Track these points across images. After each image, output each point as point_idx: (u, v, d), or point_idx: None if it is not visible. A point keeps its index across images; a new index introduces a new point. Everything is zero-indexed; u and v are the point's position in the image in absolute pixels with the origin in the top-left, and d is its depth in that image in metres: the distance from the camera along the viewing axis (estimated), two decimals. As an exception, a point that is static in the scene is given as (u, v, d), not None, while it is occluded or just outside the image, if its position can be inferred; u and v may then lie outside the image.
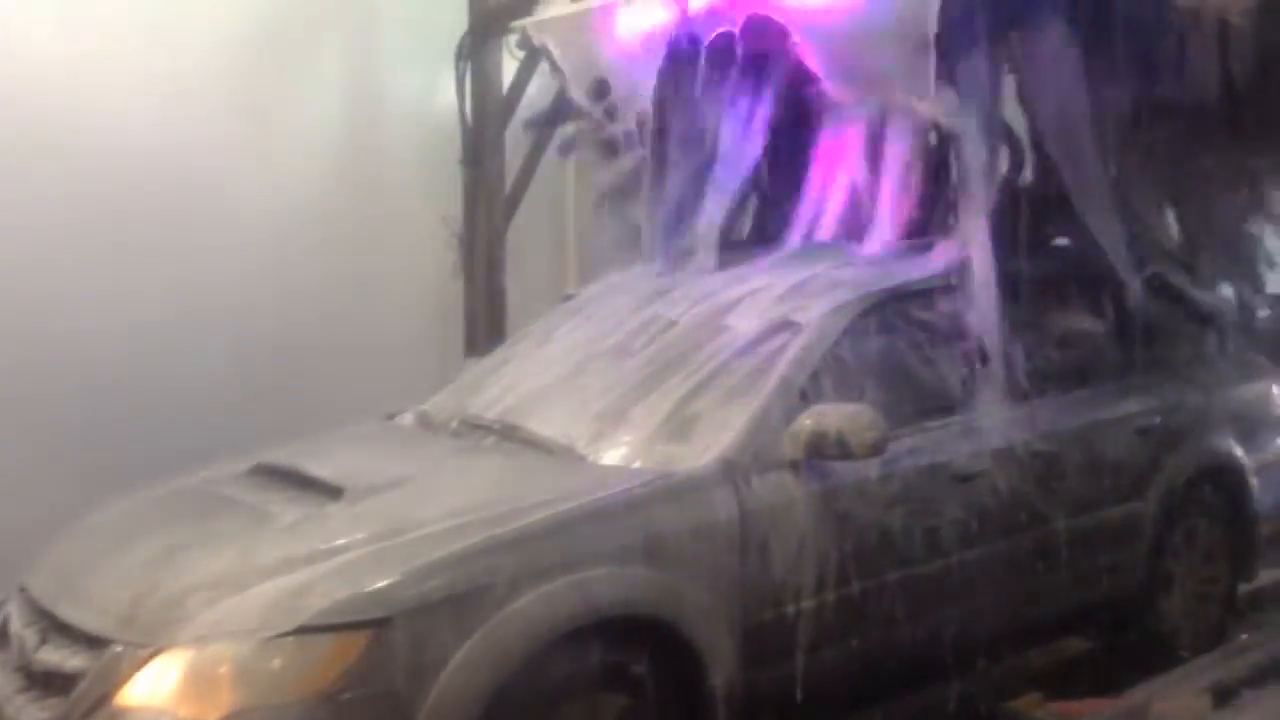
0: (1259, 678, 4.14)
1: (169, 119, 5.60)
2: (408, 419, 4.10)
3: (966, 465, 3.70)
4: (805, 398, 3.42)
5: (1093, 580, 4.15)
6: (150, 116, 5.55)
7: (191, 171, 5.68)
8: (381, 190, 6.35)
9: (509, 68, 6.23)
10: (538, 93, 6.16)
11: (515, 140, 6.31)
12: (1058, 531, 3.94)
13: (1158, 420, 4.32)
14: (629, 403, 3.55)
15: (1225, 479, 4.60)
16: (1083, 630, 4.53)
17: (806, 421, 3.28)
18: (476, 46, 6.18)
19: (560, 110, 5.83)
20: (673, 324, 3.88)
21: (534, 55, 6.01)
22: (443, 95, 6.30)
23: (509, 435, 3.62)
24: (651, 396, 3.53)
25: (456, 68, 6.19)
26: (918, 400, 3.73)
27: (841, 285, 3.81)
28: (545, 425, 3.58)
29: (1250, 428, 4.73)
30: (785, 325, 3.63)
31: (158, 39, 5.58)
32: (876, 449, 3.26)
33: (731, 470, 3.25)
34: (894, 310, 3.79)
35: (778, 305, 3.78)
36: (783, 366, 3.48)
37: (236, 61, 5.86)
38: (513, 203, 6.36)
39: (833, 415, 3.28)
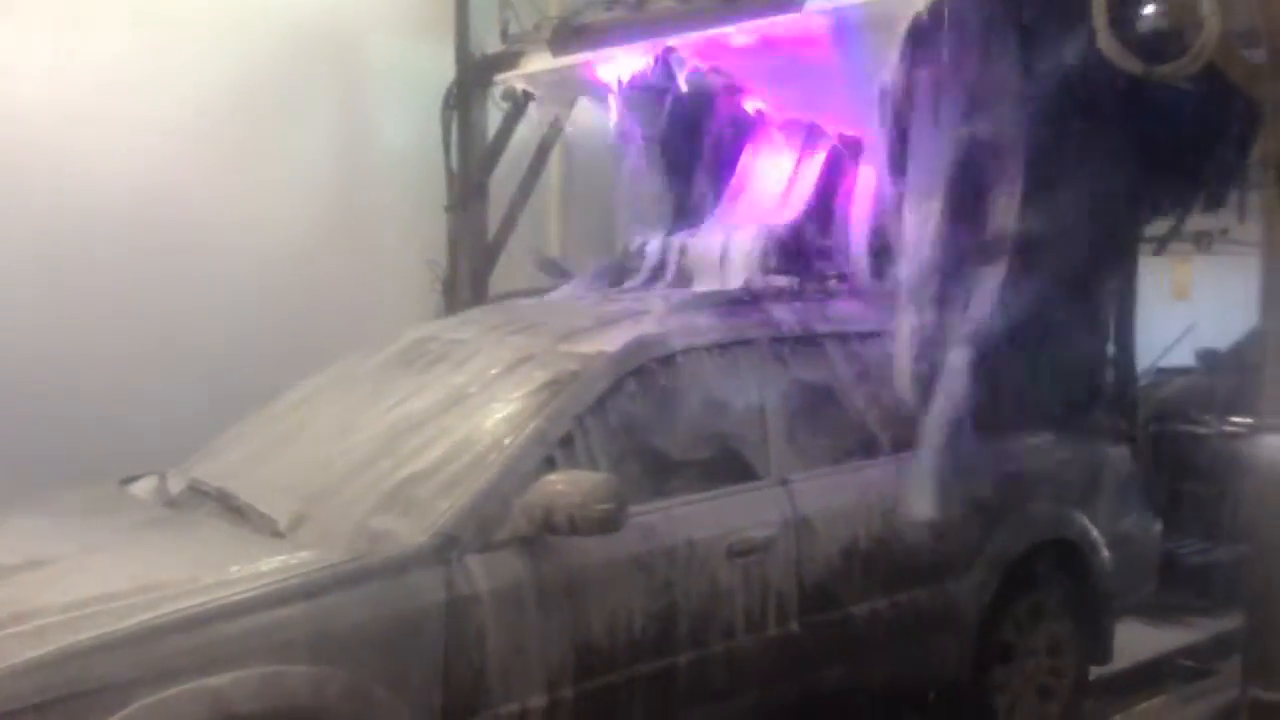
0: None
1: (156, 164, 5.70)
2: (146, 484, 3.68)
3: (749, 539, 3.35)
4: (553, 463, 3.05)
5: (902, 667, 3.77)
6: (137, 161, 5.66)
7: (177, 214, 5.79)
8: (368, 235, 6.47)
9: (494, 118, 6.38)
10: (522, 142, 6.30)
11: (499, 188, 6.44)
12: (856, 613, 3.59)
13: (986, 489, 3.95)
14: (362, 468, 3.17)
15: (1070, 554, 4.23)
16: (918, 713, 4.07)
17: (537, 492, 2.92)
18: (463, 97, 6.33)
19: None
20: (449, 368, 3.56)
21: (518, 106, 6.19)
22: (429, 143, 6.44)
23: (225, 504, 3.25)
24: (383, 461, 3.16)
25: (443, 117, 6.33)
26: (704, 465, 3.40)
27: (640, 330, 3.49)
28: (261, 495, 3.20)
29: (1103, 496, 4.39)
30: (553, 378, 3.27)
31: (147, 86, 5.71)
32: (608, 524, 2.89)
33: (446, 549, 2.86)
34: (690, 362, 3.45)
35: (557, 350, 3.43)
36: (527, 426, 3.11)
37: (226, 109, 5.99)
38: (496, 249, 6.49)
39: (563, 485, 2.92)
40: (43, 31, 5.45)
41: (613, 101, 5.56)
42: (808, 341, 3.75)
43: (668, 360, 3.41)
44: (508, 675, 2.89)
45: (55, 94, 5.48)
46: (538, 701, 2.94)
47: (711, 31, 5.09)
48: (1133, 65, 3.91)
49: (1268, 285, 3.94)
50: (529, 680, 2.93)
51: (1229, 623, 5.02)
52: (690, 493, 3.33)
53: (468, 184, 6.38)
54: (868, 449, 3.77)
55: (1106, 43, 3.92)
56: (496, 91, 6.24)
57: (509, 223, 6.43)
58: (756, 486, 3.46)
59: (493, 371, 3.42)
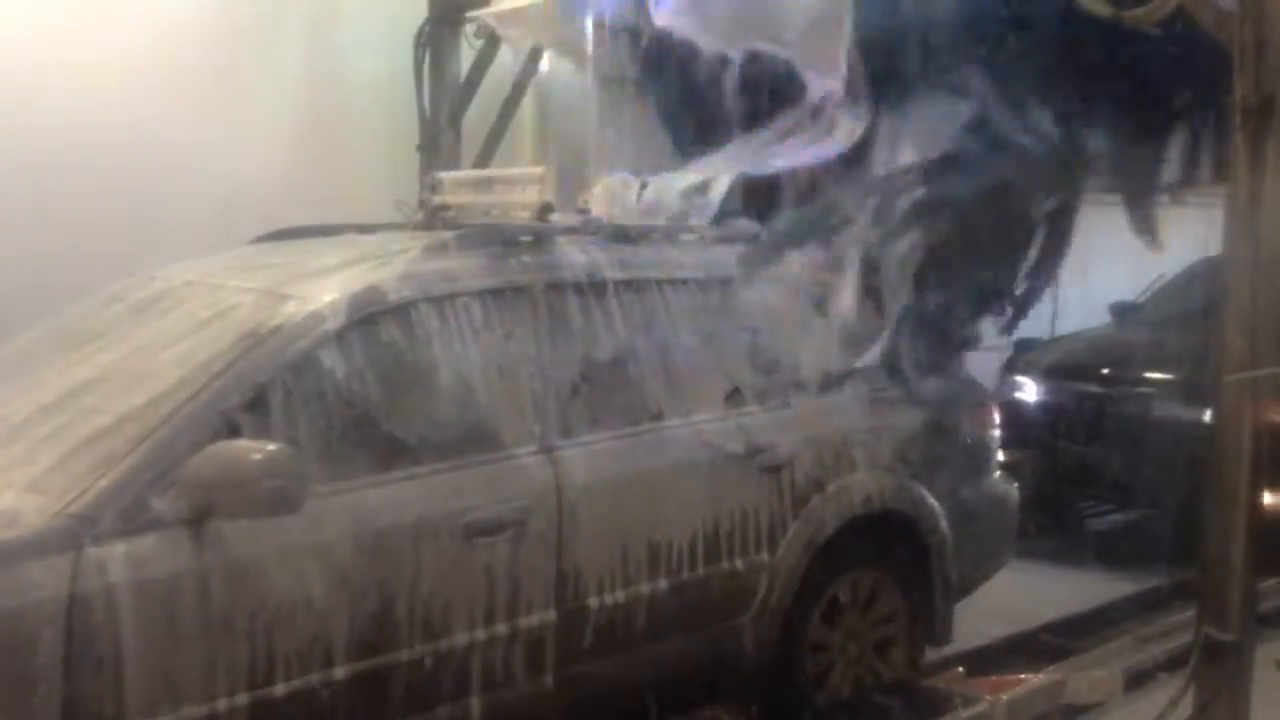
0: (1172, 664, 4.30)
1: (124, 100, 5.62)
2: None
3: (494, 516, 2.90)
4: (237, 433, 2.55)
5: (687, 659, 3.36)
6: (105, 96, 5.58)
7: (146, 151, 5.71)
8: (339, 173, 6.40)
9: (467, 56, 6.30)
10: (495, 81, 6.24)
11: (472, 127, 6.38)
12: (629, 598, 3.16)
13: (788, 453, 3.52)
14: (14, 436, 2.66)
15: (903, 528, 3.82)
16: (720, 701, 3.66)
17: (196, 468, 2.45)
18: (435, 35, 6.26)
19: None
20: (154, 318, 3.07)
21: (491, 44, 6.12)
22: (401, 82, 6.37)
23: None
24: (40, 429, 2.65)
25: (415, 55, 6.26)
26: (444, 432, 2.91)
27: (373, 276, 2.96)
28: None
29: (948, 461, 3.96)
30: (249, 331, 2.76)
31: (116, 21, 5.62)
32: (279, 504, 2.44)
33: (75, 535, 2.33)
34: (432, 313, 2.96)
35: (269, 298, 2.92)
36: (201, 388, 2.60)
37: (195, 47, 5.89)
38: (468, 189, 6.44)
39: (228, 459, 2.44)
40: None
41: (588, 40, 5.51)
42: (598, 289, 3.26)
43: (402, 311, 2.90)
44: (154, 686, 2.38)
45: (28, 29, 5.39)
46: (193, 713, 2.44)
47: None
48: (1101, 8, 3.88)
49: (1230, 233, 3.95)
50: (182, 690, 2.42)
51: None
52: (423, 465, 2.83)
53: (439, 123, 6.32)
54: (662, 411, 3.32)
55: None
56: (469, 29, 6.16)
57: (482, 163, 6.38)
58: (511, 456, 2.98)
59: (191, 323, 2.91)
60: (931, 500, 3.85)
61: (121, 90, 5.63)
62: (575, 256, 3.32)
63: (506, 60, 6.18)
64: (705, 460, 3.36)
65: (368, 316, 2.86)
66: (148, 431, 2.51)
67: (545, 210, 3.62)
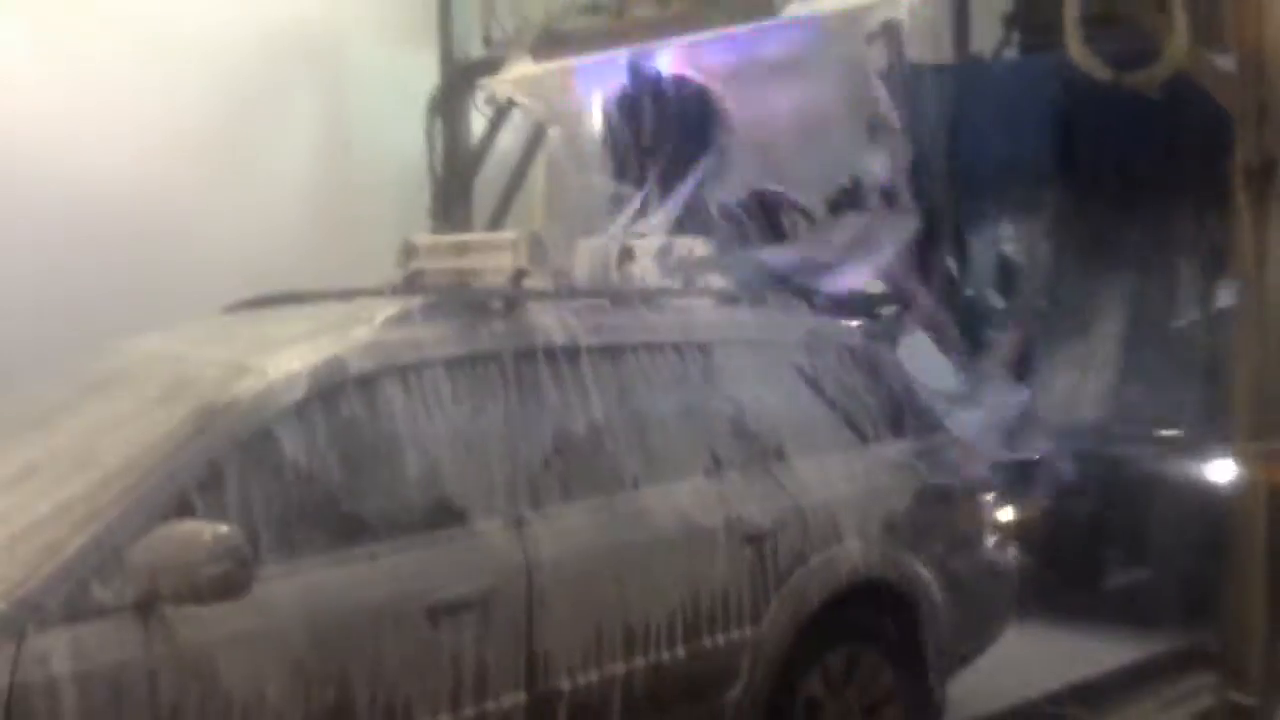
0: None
1: (143, 168, 5.75)
2: None
3: (457, 594, 2.77)
4: (191, 512, 2.47)
5: None
6: (124, 166, 5.70)
7: (163, 217, 5.83)
8: (351, 237, 6.47)
9: (478, 122, 6.40)
10: (505, 146, 6.33)
11: (483, 191, 6.46)
12: (602, 679, 2.99)
13: (772, 524, 3.36)
14: None
15: (890, 598, 3.63)
16: None
17: (144, 550, 2.35)
18: (447, 101, 6.36)
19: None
20: (118, 390, 2.99)
21: (502, 111, 6.21)
22: (413, 148, 6.47)
23: None
24: (9, 500, 2.55)
25: (427, 121, 6.36)
26: (406, 508, 2.80)
27: (336, 346, 2.84)
28: None
29: (939, 528, 3.79)
30: (205, 405, 2.65)
31: (136, 91, 5.77)
32: (225, 589, 2.33)
33: (18, 620, 2.24)
34: (395, 384, 2.85)
35: (229, 370, 2.81)
36: (154, 466, 2.50)
37: (212, 113, 6.03)
38: (479, 253, 6.50)
39: (175, 542, 2.35)
40: (30, 44, 5.51)
41: (595, 106, 5.60)
42: (571, 355, 3.17)
43: (365, 382, 2.80)
44: None
45: (50, 99, 5.53)
46: None
47: (690, 38, 5.13)
48: (1102, 72, 3.91)
49: (1236, 295, 3.93)
50: None
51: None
52: (385, 543, 2.72)
53: (451, 188, 6.40)
54: (638, 482, 3.20)
55: (1077, 50, 3.92)
56: (480, 96, 6.26)
57: (493, 227, 6.45)
58: (477, 531, 2.87)
59: (147, 398, 2.81)
60: (921, 570, 3.67)
61: (137, 158, 5.74)
62: (548, 322, 3.20)
63: (516, 126, 6.26)
64: (683, 532, 3.21)
65: (329, 389, 2.75)
66: (93, 515, 2.41)
67: (519, 276, 3.54)
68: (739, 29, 4.87)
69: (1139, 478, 5.60)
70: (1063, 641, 5.14)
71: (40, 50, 5.57)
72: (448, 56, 6.33)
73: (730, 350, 3.52)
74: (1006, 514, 5.25)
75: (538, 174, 6.61)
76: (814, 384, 3.66)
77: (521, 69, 5.91)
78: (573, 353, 3.17)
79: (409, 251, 3.96)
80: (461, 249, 3.79)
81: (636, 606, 3.07)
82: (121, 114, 5.73)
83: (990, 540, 4.04)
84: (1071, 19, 3.87)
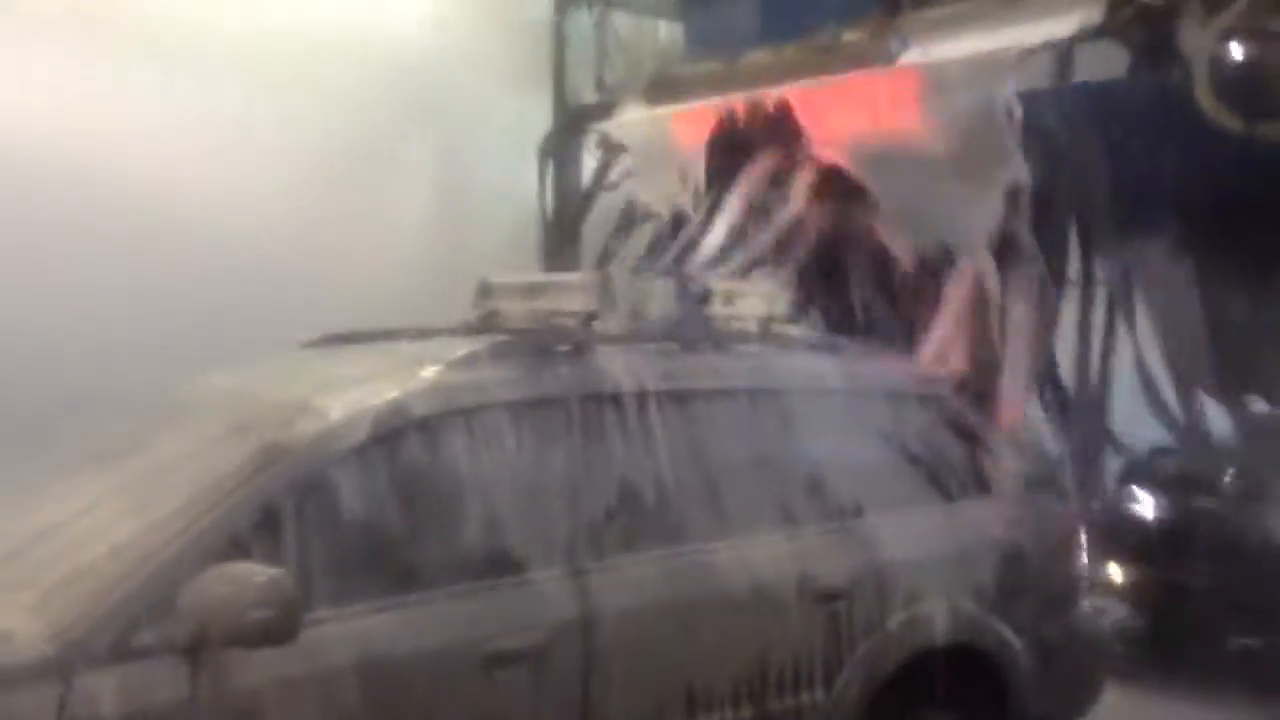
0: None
1: (270, 212, 5.96)
2: None
3: (515, 645, 2.69)
4: (245, 552, 2.45)
5: None
6: (251, 211, 5.92)
7: (285, 255, 6.02)
8: (465, 277, 6.62)
9: (588, 165, 6.52)
10: (614, 189, 6.42)
11: (592, 233, 6.56)
12: None
13: (847, 583, 3.19)
14: (34, 552, 2.57)
15: (975, 663, 3.43)
16: None
17: (193, 594, 2.33)
18: (559, 145, 6.48)
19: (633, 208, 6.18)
20: (187, 428, 2.97)
21: (611, 154, 6.32)
22: (526, 189, 6.61)
23: None
24: (56, 545, 2.57)
25: (540, 165, 6.49)
26: (466, 554, 2.75)
27: (400, 389, 2.80)
28: None
29: (1028, 590, 3.57)
30: (266, 446, 2.63)
31: (262, 137, 6.00)
32: (272, 634, 2.31)
33: (67, 662, 2.24)
34: (458, 427, 2.80)
35: (289, 410, 2.78)
36: (208, 508, 2.50)
37: (336, 156, 6.23)
38: (588, 293, 6.60)
39: (224, 585, 2.32)
40: (167, 88, 5.79)
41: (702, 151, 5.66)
42: (640, 401, 3.08)
43: (426, 425, 2.76)
44: None
45: (179, 145, 5.80)
46: None
47: (803, 84, 5.15)
48: (1232, 123, 3.82)
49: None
50: None
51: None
52: (440, 589, 2.66)
53: (562, 229, 6.51)
54: (706, 534, 3.07)
55: (1208, 100, 3.85)
56: (591, 140, 6.38)
57: (600, 268, 6.54)
58: (536, 580, 2.78)
59: (212, 436, 2.82)
60: (1008, 634, 3.45)
61: (264, 202, 5.97)
62: (616, 366, 3.10)
63: (626, 168, 6.35)
64: (752, 589, 3.05)
65: (390, 432, 2.70)
66: (145, 557, 2.40)
67: (590, 318, 3.45)
68: (853, 76, 4.88)
69: (1262, 537, 5.39)
70: (1172, 707, 4.95)
71: (170, 95, 5.84)
72: (561, 101, 6.46)
73: (807, 399, 3.40)
74: (1116, 574, 5.08)
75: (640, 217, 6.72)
76: (896, 437, 3.52)
77: (633, 113, 6.02)
78: (641, 398, 3.08)
79: (485, 291, 3.93)
80: (535, 290, 3.76)
81: (700, 665, 2.94)
82: (247, 157, 5.96)
83: (1084, 602, 3.82)
84: (1202, 70, 3.80)
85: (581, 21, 6.48)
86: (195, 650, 2.31)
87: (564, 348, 3.10)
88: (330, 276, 6.14)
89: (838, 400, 3.48)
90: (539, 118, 6.55)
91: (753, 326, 3.70)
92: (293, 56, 6.09)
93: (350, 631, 2.51)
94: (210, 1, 5.89)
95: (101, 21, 5.63)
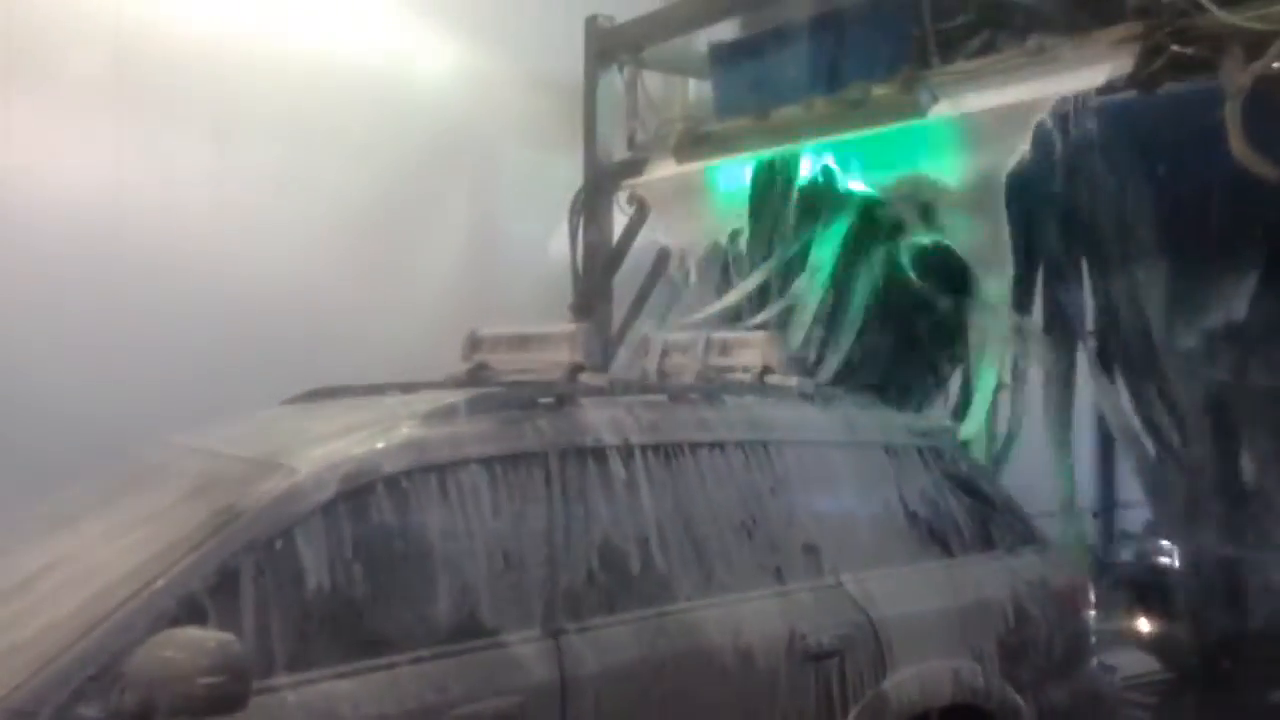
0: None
1: (306, 265, 6.06)
2: None
3: (489, 709, 2.60)
4: (201, 616, 2.35)
5: None
6: (287, 264, 6.01)
7: (324, 312, 6.08)
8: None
9: (619, 221, 6.57)
10: (643, 245, 6.47)
11: (621, 288, 6.60)
12: None
13: (839, 642, 3.09)
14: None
15: None
16: None
17: (142, 660, 2.24)
18: (590, 201, 6.54)
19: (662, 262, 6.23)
20: (150, 491, 2.89)
21: (642, 211, 6.37)
22: (555, 243, 6.66)
23: None
24: (7, 607, 2.50)
25: (570, 220, 6.55)
26: (434, 616, 2.64)
27: (362, 446, 2.71)
28: None
29: (1034, 648, 3.47)
30: (223, 508, 2.54)
31: (299, 195, 6.12)
32: (220, 704, 2.20)
33: None
34: (426, 485, 2.71)
35: (247, 469, 2.70)
36: (157, 569, 2.39)
37: (369, 213, 6.34)
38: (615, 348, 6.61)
39: (174, 651, 2.23)
40: (204, 144, 5.92)
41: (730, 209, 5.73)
42: (624, 455, 2.99)
43: (396, 482, 2.66)
44: None
45: (217, 201, 5.90)
46: None
47: (834, 137, 5.19)
48: (1267, 171, 3.81)
49: None
50: None
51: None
52: (408, 652, 2.56)
53: (592, 285, 6.55)
54: (690, 591, 2.97)
55: (1240, 147, 3.84)
56: (622, 197, 6.44)
57: (628, 323, 6.56)
58: (508, 642, 2.68)
59: (173, 496, 2.73)
60: (1012, 694, 3.35)
61: (300, 255, 6.06)
62: (598, 419, 3.02)
63: (656, 226, 6.40)
64: (739, 648, 2.95)
65: (359, 489, 2.61)
66: (94, 622, 2.30)
67: (575, 370, 3.35)
68: (885, 129, 4.92)
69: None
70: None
71: (210, 155, 5.96)
72: (592, 158, 6.53)
73: (799, 452, 3.31)
74: (1143, 625, 4.96)
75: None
76: (892, 491, 3.44)
77: (663, 170, 6.08)
78: (624, 452, 3.00)
79: (474, 344, 3.83)
80: (522, 342, 3.70)
81: None
82: (280, 214, 6.07)
83: (1093, 660, 3.72)
84: (1234, 115, 3.80)
85: (612, 81, 6.57)
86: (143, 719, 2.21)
87: (546, 400, 3.02)
88: (362, 332, 6.21)
89: (831, 453, 3.40)
90: (570, 175, 6.62)
91: (747, 378, 3.63)
92: (326, 114, 6.22)
93: (311, 698, 2.42)
94: (248, 64, 6.02)
95: (142, 84, 5.76)
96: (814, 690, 3.04)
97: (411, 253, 6.54)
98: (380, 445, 2.70)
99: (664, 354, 3.87)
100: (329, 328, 6.08)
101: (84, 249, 5.55)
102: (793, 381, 3.68)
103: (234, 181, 5.99)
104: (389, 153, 6.42)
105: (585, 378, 3.33)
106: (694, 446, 3.14)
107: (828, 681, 3.06)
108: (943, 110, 4.70)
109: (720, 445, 3.19)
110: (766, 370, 3.60)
